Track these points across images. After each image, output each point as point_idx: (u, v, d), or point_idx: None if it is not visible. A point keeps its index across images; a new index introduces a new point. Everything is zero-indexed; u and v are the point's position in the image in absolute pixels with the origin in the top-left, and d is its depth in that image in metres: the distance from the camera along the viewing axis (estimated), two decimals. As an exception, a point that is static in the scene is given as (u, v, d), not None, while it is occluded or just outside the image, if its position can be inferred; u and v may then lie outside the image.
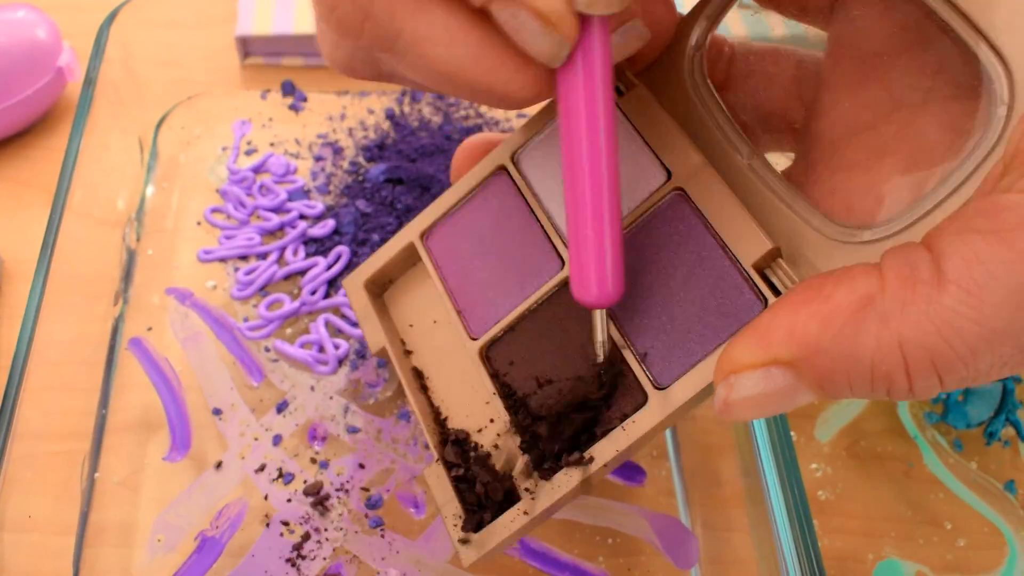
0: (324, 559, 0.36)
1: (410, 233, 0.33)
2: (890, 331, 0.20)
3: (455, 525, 0.29)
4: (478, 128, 0.50)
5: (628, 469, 0.40)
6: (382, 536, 0.37)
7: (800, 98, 0.30)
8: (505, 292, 0.30)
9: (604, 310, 0.27)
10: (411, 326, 0.33)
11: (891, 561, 0.38)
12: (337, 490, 0.38)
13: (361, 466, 0.39)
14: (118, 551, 0.37)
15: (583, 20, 0.22)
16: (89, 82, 0.44)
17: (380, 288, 0.34)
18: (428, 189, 0.47)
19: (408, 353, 0.33)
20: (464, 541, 0.29)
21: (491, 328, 0.30)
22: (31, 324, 0.36)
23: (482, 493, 0.29)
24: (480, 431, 0.30)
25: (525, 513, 0.28)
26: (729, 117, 0.28)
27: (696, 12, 0.29)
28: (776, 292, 0.25)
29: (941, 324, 0.19)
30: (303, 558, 0.36)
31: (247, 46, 0.53)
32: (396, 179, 0.47)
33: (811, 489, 0.40)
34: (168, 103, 0.51)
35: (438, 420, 0.31)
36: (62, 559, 0.36)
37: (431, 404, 0.32)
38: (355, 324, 0.43)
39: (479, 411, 0.30)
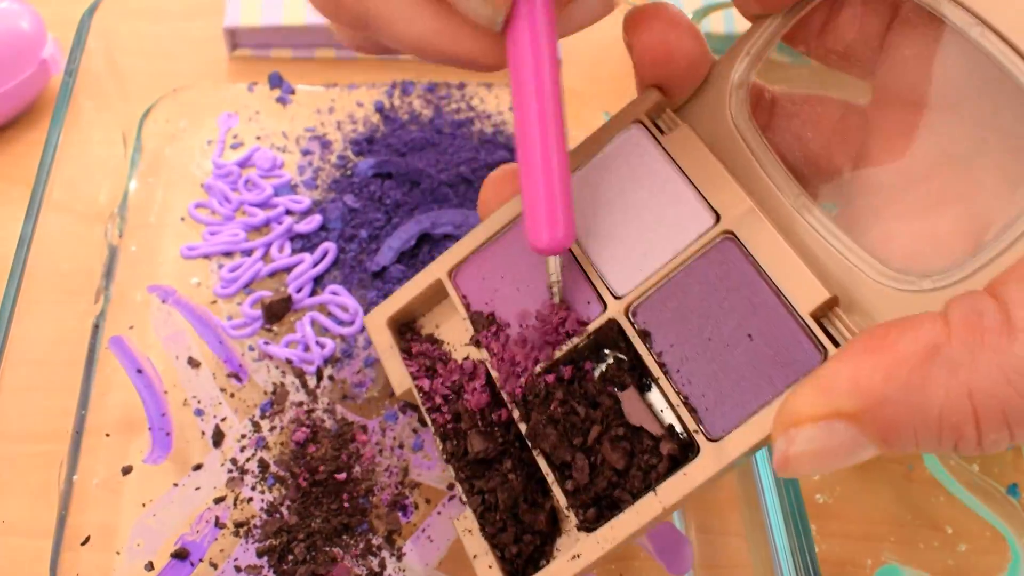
0: (308, 562, 0.35)
1: (438, 269, 0.32)
2: (959, 381, 0.19)
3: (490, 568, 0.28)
4: (470, 121, 0.49)
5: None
6: (369, 540, 0.36)
7: (844, 143, 0.29)
8: (538, 337, 0.29)
9: (558, 256, 0.27)
10: None
11: (891, 567, 0.38)
12: (322, 493, 0.37)
13: (348, 467, 0.38)
14: (97, 555, 0.36)
15: None
16: (70, 74, 0.43)
17: (403, 326, 0.33)
18: (418, 184, 0.46)
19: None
20: None
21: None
22: (6, 321, 0.36)
23: (520, 546, 0.28)
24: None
25: (573, 559, 0.27)
26: (774, 157, 0.27)
27: (736, 50, 0.28)
28: (835, 342, 0.25)
29: (1012, 374, 0.19)
30: (286, 562, 0.35)
31: (235, 37, 0.52)
32: (385, 174, 0.46)
33: (809, 492, 0.39)
34: (153, 96, 0.50)
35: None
36: (39, 563, 0.35)
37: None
38: (341, 323, 0.42)
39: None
